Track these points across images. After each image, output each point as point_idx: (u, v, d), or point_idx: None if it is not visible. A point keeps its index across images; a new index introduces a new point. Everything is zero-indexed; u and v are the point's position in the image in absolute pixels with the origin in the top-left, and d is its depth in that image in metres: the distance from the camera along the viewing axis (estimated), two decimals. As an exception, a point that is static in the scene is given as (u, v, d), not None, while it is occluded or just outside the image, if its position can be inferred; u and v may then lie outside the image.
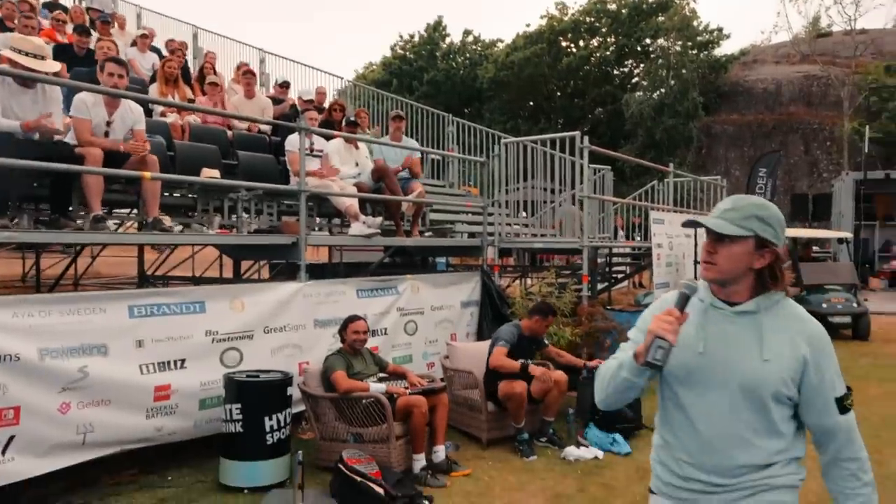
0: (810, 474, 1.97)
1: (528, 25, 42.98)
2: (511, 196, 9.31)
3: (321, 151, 7.06)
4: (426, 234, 8.45)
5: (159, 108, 7.00)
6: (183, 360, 4.68)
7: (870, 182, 18.47)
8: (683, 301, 1.81)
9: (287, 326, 5.47)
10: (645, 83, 31.70)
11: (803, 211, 20.34)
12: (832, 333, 10.64)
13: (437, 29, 38.21)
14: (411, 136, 10.12)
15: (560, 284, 8.13)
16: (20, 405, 3.81)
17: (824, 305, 11.36)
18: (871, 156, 19.91)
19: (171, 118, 6.74)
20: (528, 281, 11.56)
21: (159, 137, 5.64)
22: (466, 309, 7.49)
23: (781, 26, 69.86)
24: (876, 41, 31.19)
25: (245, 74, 7.91)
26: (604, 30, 33.92)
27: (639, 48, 33.33)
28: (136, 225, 5.95)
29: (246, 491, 4.47)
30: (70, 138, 4.74)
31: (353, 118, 7.76)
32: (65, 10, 9.44)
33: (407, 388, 5.13)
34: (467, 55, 38.07)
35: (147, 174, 4.55)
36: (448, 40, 38.59)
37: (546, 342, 6.09)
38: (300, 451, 4.20)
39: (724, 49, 33.02)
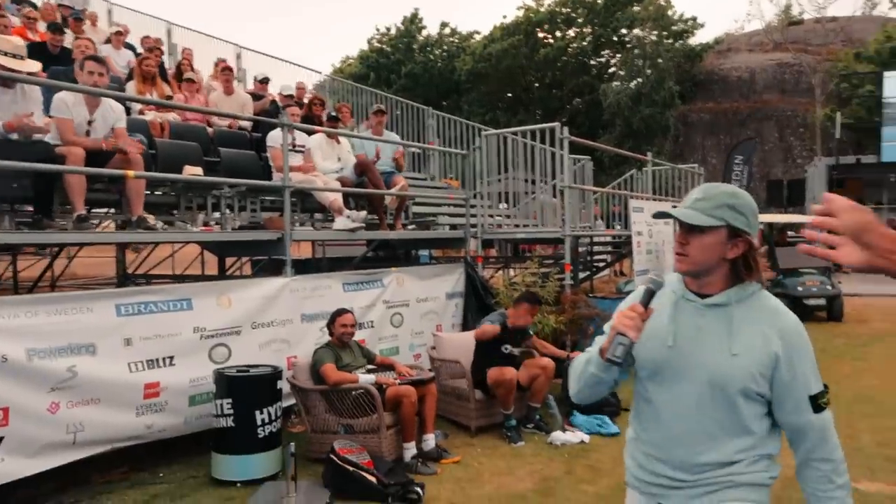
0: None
1: (504, 17, 43.18)
2: (491, 188, 9.36)
3: (303, 147, 7.06)
4: (409, 227, 8.49)
5: (137, 106, 6.95)
6: (171, 358, 4.69)
7: (841, 167, 18.88)
8: (648, 297, 1.75)
9: (274, 321, 5.49)
10: (622, 73, 31.95)
11: (778, 196, 20.71)
12: (808, 316, 10.99)
13: (413, 22, 38.16)
14: (392, 130, 10.13)
15: (543, 274, 8.23)
16: (9, 406, 3.80)
17: (799, 289, 11.63)
18: (843, 141, 20.30)
19: (150, 116, 6.70)
20: (511, 271, 11.64)
21: (140, 136, 5.62)
22: (451, 300, 7.55)
23: (754, 14, 70.82)
24: (846, 28, 31.71)
25: (223, 71, 7.88)
26: (580, 20, 34.10)
27: (615, 38, 33.57)
28: (113, 224, 5.90)
29: (239, 484, 4.50)
30: (51, 138, 4.71)
31: (334, 113, 7.76)
32: (34, 6, 9.30)
33: (396, 378, 5.19)
34: (444, 48, 38.08)
35: (131, 173, 4.54)
36: (425, 33, 38.57)
37: (531, 332, 6.18)
38: (292, 443, 4.25)
39: (699, 38, 33.41)
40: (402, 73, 35.82)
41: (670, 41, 31.35)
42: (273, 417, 4.71)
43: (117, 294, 4.60)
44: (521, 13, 34.46)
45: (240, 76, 11.78)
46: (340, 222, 6.59)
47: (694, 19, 32.30)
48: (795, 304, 11.01)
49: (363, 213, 6.72)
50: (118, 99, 5.38)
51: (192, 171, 5.58)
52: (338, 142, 7.42)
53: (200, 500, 4.31)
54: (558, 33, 34.43)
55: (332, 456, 4.48)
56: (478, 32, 38.11)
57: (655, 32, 30.74)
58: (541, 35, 34.21)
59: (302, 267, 8.08)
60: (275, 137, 6.55)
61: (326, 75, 15.48)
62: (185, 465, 4.85)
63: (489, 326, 5.72)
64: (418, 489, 4.35)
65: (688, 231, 1.75)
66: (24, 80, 4.57)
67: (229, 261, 9.78)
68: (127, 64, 7.80)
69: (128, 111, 6.63)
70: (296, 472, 4.24)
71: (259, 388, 4.70)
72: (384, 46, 38.13)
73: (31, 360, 3.91)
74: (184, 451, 4.95)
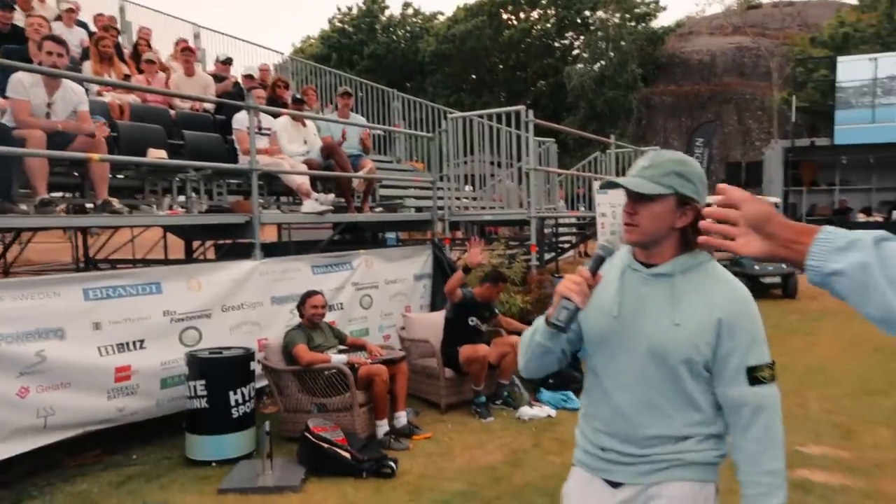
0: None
1: (467, -2, 42.80)
2: (456, 170, 9.43)
3: (269, 129, 7.03)
4: (377, 209, 8.53)
5: (95, 87, 6.79)
6: (142, 341, 4.69)
7: (797, 150, 19.31)
8: (597, 263, 1.69)
9: (244, 304, 5.51)
10: (585, 55, 32.19)
11: (737, 178, 21.17)
12: (763, 293, 11.40)
13: (375, 1, 37.74)
14: (356, 112, 10.11)
15: (510, 255, 8.36)
16: (-22, 391, 3.78)
17: (756, 267, 12.03)
18: (798, 125, 20.77)
19: (109, 97, 6.57)
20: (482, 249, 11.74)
21: (101, 118, 5.53)
22: (419, 281, 7.64)
23: (714, -2, 71.48)
24: (802, 13, 32.33)
25: (184, 51, 7.73)
26: (544, 2, 34.15)
27: (578, 20, 33.75)
28: (66, 208, 5.81)
29: (214, 464, 4.56)
30: (7, 120, 4.61)
31: (299, 95, 7.73)
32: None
33: (368, 358, 5.27)
34: (408, 28, 37.81)
35: (95, 156, 4.49)
36: (387, 13, 38.19)
37: (497, 311, 6.31)
38: (267, 422, 4.32)
39: (661, 21, 33.81)
40: (365, 53, 35.49)
41: (633, 24, 31.66)
42: (246, 398, 4.75)
43: (84, 278, 4.56)
44: (484, -6, 34.37)
45: (199, 56, 11.57)
46: (309, 205, 6.60)
47: (656, 2, 32.66)
48: (752, 281, 11.39)
49: (331, 196, 6.75)
50: (79, 80, 5.27)
51: (157, 155, 5.53)
52: (303, 124, 7.41)
53: (176, 480, 4.34)
54: (522, 15, 34.47)
55: (306, 434, 4.55)
56: (441, 13, 38.08)
57: (618, 15, 31.00)
58: (504, 16, 34.21)
59: (269, 250, 8.07)
60: (240, 120, 6.51)
61: (287, 56, 15.28)
62: (158, 447, 4.87)
63: (455, 275, 5.84)
64: (392, 464, 4.46)
65: (636, 200, 1.69)
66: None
67: (194, 245, 9.69)
68: (80, 43, 7.58)
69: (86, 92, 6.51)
70: (271, 450, 4.33)
71: (232, 369, 4.74)
72: (346, 26, 37.67)
73: (-1, 345, 3.89)
74: (156, 433, 4.97)
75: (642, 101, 30.91)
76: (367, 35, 36.50)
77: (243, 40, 12.60)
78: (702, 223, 1.28)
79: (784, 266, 12.13)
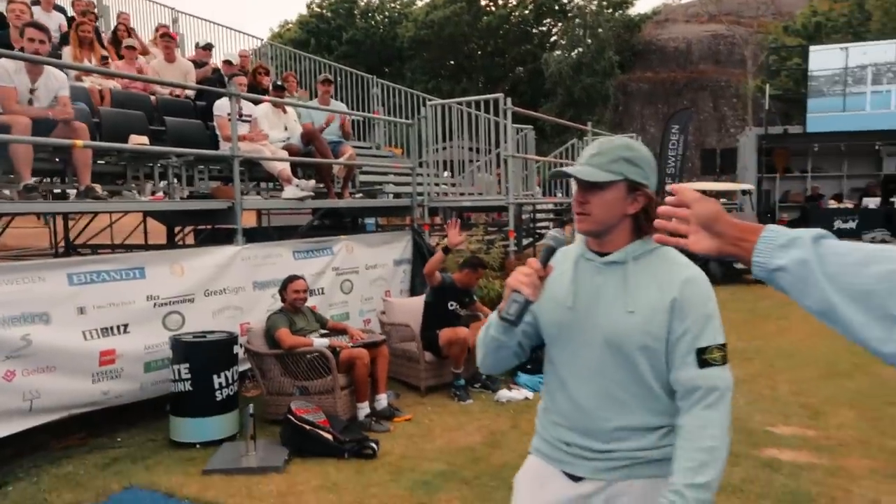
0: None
1: (446, -17, 42.56)
2: (434, 156, 9.52)
3: (250, 116, 7.06)
4: (356, 195, 8.59)
5: (73, 72, 6.77)
6: (126, 325, 4.74)
7: (770, 137, 19.54)
8: (548, 254, 1.66)
9: (227, 289, 5.58)
10: (563, 42, 32.27)
11: (712, 165, 21.38)
12: (737, 278, 11.68)
13: (353, -14, 37.44)
14: (335, 98, 10.14)
15: (488, 241, 8.49)
16: (-35, 374, 3.83)
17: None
18: (772, 112, 21.07)
19: (88, 82, 6.56)
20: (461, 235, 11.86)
21: (82, 104, 5.54)
22: (399, 267, 7.74)
23: (691, -15, 71.89)
24: (776, 2, 32.70)
25: (164, 37, 7.72)
26: (522, -12, 34.15)
27: (556, 7, 33.80)
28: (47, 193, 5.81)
29: (198, 445, 4.64)
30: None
31: (280, 82, 7.75)
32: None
33: (349, 341, 5.38)
34: (386, 14, 37.59)
35: (79, 142, 4.52)
36: (366, -2, 37.96)
37: (475, 297, 6.45)
38: (251, 404, 4.41)
39: (638, 8, 34.00)
40: (344, 39, 35.25)
41: (610, 11, 31.79)
42: (230, 381, 4.84)
43: (69, 263, 4.60)
44: (463, -20, 34.24)
45: (178, 42, 11.50)
46: (290, 191, 6.66)
47: (633, -10, 32.79)
48: (726, 267, 11.62)
49: (312, 182, 6.81)
50: (62, 67, 5.27)
51: (139, 141, 5.55)
52: (284, 111, 7.44)
53: (161, 462, 4.42)
54: (500, 1, 34.44)
55: (289, 416, 4.64)
56: (420, -1, 37.76)
57: (596, 2, 31.12)
58: (483, 2, 34.16)
59: (249, 235, 8.11)
60: (221, 107, 6.53)
61: (266, 41, 15.20)
62: (143, 430, 4.94)
63: (436, 255, 5.99)
64: (373, 445, 4.55)
65: (586, 189, 1.67)
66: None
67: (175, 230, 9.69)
68: (58, 27, 7.53)
69: (66, 78, 6.49)
70: (255, 432, 4.42)
71: (216, 352, 4.82)
72: (324, 11, 37.34)
73: (-14, 329, 3.93)
74: (140, 416, 5.04)
75: (619, 88, 31.13)
76: (346, 20, 36.24)
77: (222, 25, 12.54)
78: (656, 222, 1.33)
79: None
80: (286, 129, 7.39)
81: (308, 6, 38.30)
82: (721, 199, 16.40)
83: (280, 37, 35.70)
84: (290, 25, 38.93)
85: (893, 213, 17.14)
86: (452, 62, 35.71)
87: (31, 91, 4.81)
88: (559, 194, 11.66)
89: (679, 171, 19.05)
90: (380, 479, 4.16)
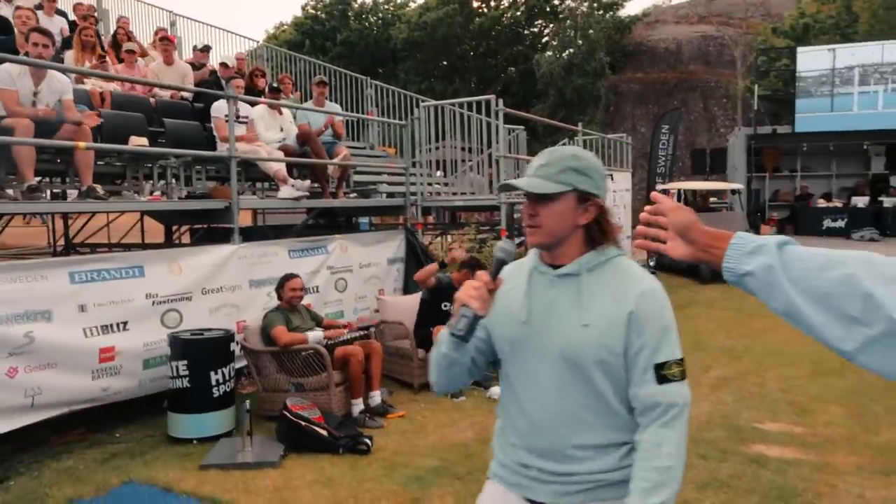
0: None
1: (438, -15, 42.64)
2: (427, 156, 9.63)
3: (246, 118, 7.16)
4: (351, 195, 8.70)
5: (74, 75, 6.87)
6: (125, 323, 4.83)
7: (759, 137, 19.73)
8: (497, 267, 1.61)
9: (224, 287, 5.67)
10: (555, 43, 32.39)
11: (701, 165, 21.58)
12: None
13: (347, -12, 37.47)
14: (329, 98, 10.24)
15: (480, 240, 8.60)
16: (-31, 371, 3.92)
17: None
18: (761, 112, 21.25)
19: (89, 85, 6.66)
20: (449, 237, 12.00)
21: (84, 107, 5.63)
22: (393, 265, 7.85)
23: (681, -14, 72.16)
24: (765, 3, 32.87)
25: (162, 41, 7.83)
26: (514, -10, 34.26)
27: (548, 9, 33.93)
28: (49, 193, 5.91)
29: (195, 441, 4.73)
30: (-4, 109, 4.72)
31: (275, 84, 7.85)
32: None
33: (344, 327, 5.53)
34: (380, 15, 37.61)
35: (82, 144, 4.62)
36: (360, 0, 37.99)
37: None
38: (247, 401, 4.51)
39: (628, 10, 34.16)
40: (338, 40, 35.26)
41: (601, 13, 31.95)
42: (227, 378, 4.94)
43: (70, 262, 4.69)
44: (455, -19, 34.33)
45: (176, 44, 11.60)
46: (285, 191, 6.76)
47: (623, -8, 32.95)
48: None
49: (307, 183, 6.91)
50: (64, 71, 5.37)
51: (139, 142, 5.65)
52: (280, 112, 7.55)
53: (159, 457, 4.50)
54: (493, 3, 34.54)
55: (284, 412, 4.72)
56: (413, 1, 37.82)
57: (587, 4, 31.29)
58: (475, 4, 34.25)
59: (245, 234, 8.22)
60: (219, 108, 6.63)
61: (261, 43, 15.29)
62: (141, 426, 5.04)
63: (429, 267, 6.14)
64: (367, 441, 4.64)
65: (536, 201, 1.62)
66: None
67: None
68: (60, 31, 7.65)
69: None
70: (251, 428, 4.52)
71: (213, 349, 4.91)
72: (319, 13, 37.35)
73: (-10, 327, 4.02)
74: (139, 412, 5.13)
75: (610, 89, 31.26)
76: (340, 22, 36.26)
77: (218, 28, 12.65)
78: (638, 228, 1.40)
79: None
80: (282, 130, 7.49)
81: (303, 8, 38.27)
82: (711, 199, 16.56)
83: (275, 38, 35.71)
84: (286, 27, 38.91)
85: (882, 212, 17.33)
86: (445, 63, 35.78)
87: (35, 94, 4.92)
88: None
89: (669, 170, 19.21)
90: (374, 474, 4.23)
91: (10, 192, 4.67)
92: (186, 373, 4.76)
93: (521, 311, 1.67)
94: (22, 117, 4.56)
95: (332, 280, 6.91)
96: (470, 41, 34.53)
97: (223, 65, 8.83)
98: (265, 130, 7.18)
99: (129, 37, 8.46)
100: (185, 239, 10.85)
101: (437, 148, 9.84)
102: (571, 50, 30.88)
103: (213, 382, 4.82)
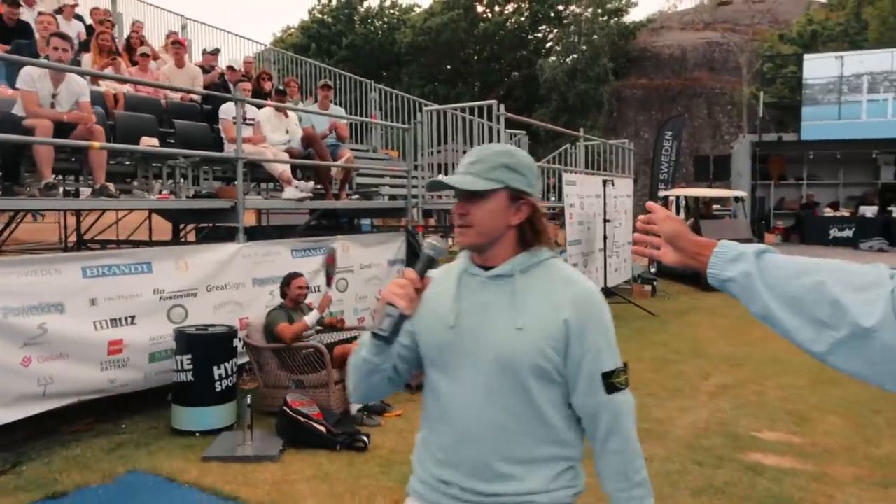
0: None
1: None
2: (428, 159, 9.77)
3: (253, 120, 7.34)
4: (353, 197, 8.86)
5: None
6: (133, 317, 4.99)
7: (764, 144, 19.62)
8: (426, 264, 1.51)
9: (228, 285, 5.82)
10: (558, 49, 32.59)
11: (705, 171, 21.67)
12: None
13: (354, -8, 37.77)
14: (335, 102, 10.42)
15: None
16: (-14, 359, 4.09)
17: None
18: (766, 119, 21.20)
19: (104, 87, 6.86)
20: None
21: (98, 108, 5.83)
22: (393, 267, 8.00)
23: (687, -7, 72.19)
24: (772, 10, 32.90)
25: (174, 44, 8.05)
26: (518, -5, 34.48)
27: (552, 14, 34.12)
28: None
29: (198, 434, 4.86)
30: (17, 110, 4.91)
31: (281, 87, 8.03)
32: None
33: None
34: (385, 20, 37.89)
35: (96, 144, 4.81)
36: (366, 4, 38.29)
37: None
38: (249, 396, 4.65)
39: (633, 16, 34.31)
40: (343, 44, 35.55)
41: (605, 18, 32.12)
42: (229, 373, 5.07)
43: (83, 257, 4.86)
44: (460, -14, 34.55)
45: (186, 47, 11.82)
46: (290, 192, 6.93)
47: (628, -2, 33.14)
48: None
49: (311, 184, 7.07)
50: (82, 74, 5.57)
51: (149, 143, 5.83)
52: (285, 115, 7.72)
53: (163, 448, 4.64)
54: (497, 8, 34.75)
55: (284, 408, 4.82)
56: (418, 6, 38.25)
57: (591, 9, 31.45)
58: (480, 9, 34.48)
59: (249, 234, 8.38)
60: (227, 110, 6.81)
61: (268, 46, 15.52)
62: (146, 417, 5.17)
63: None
64: (364, 438, 4.73)
65: (467, 199, 1.55)
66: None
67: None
68: (77, 35, 7.88)
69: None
70: (252, 421, 4.65)
71: (216, 345, 5.06)
72: (325, 17, 37.66)
73: (6, 318, 4.19)
74: (144, 404, 5.27)
75: (614, 94, 31.39)
76: (346, 26, 36.55)
77: (227, 31, 12.88)
78: (635, 235, 1.47)
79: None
80: (287, 132, 7.66)
81: (310, 12, 38.65)
82: (714, 206, 16.60)
83: (282, 41, 36.00)
84: (293, 30, 39.24)
85: (891, 222, 17.06)
86: (449, 67, 36.00)
87: (54, 95, 5.13)
88: (552, 198, 11.92)
89: (672, 177, 19.19)
90: (370, 471, 4.31)
91: (28, 189, 4.85)
92: (190, 367, 4.90)
93: (450, 315, 1.58)
94: (42, 119, 4.75)
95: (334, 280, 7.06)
96: (474, 46, 34.75)
97: (230, 68, 9.03)
98: (271, 132, 7.36)
99: (143, 41, 8.67)
100: (191, 237, 11.04)
101: (439, 151, 9.99)
102: (575, 55, 31.05)
103: (216, 377, 4.96)
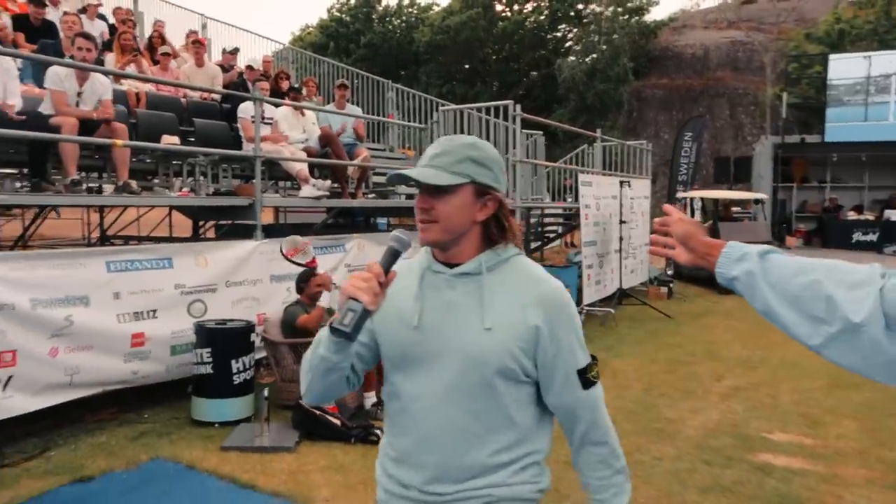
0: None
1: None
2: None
3: (271, 119, 7.48)
4: (370, 195, 8.97)
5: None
6: (155, 311, 5.16)
7: (787, 146, 19.24)
8: (390, 258, 1.44)
9: (246, 281, 5.97)
10: (577, 48, 32.48)
11: (725, 173, 21.40)
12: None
13: (372, -10, 37.96)
14: (352, 102, 10.55)
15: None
16: (17, 349, 4.27)
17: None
18: (790, 121, 20.84)
19: (127, 86, 7.05)
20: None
21: (121, 106, 6.01)
22: (409, 265, 8.08)
23: (710, -8, 71.46)
24: (798, 8, 32.46)
25: (194, 44, 8.23)
26: (538, -6, 34.42)
27: (572, 13, 34.02)
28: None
29: (217, 425, 5.02)
30: (44, 108, 5.10)
31: (296, 85, 8.17)
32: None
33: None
34: (403, 18, 38.02)
35: (119, 142, 4.98)
36: (384, 3, 38.46)
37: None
38: (266, 388, 4.78)
39: (654, 15, 34.07)
40: (362, 42, 35.75)
41: (626, 17, 31.93)
42: (247, 366, 5.22)
43: (107, 252, 5.05)
44: (480, -14, 34.56)
45: (206, 46, 12.03)
46: (307, 190, 7.06)
47: (649, -3, 32.92)
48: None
49: (328, 183, 7.19)
50: (106, 73, 5.75)
51: (170, 141, 6.00)
52: (303, 114, 7.86)
53: (184, 437, 4.80)
54: (516, 7, 34.71)
55: (300, 402, 4.90)
56: (437, 4, 38.16)
57: (611, 8, 31.30)
58: (499, 8, 34.47)
59: (267, 232, 8.53)
60: (246, 109, 6.97)
61: (287, 45, 15.70)
62: (167, 408, 5.34)
63: None
64: (378, 432, 4.80)
65: (430, 194, 1.48)
66: (26, 57, 4.93)
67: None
68: (100, 34, 8.08)
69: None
70: (269, 414, 4.78)
71: (235, 339, 5.20)
72: (343, 16, 37.89)
73: (35, 309, 4.37)
74: (165, 395, 5.43)
75: (633, 94, 31.19)
76: (364, 24, 36.75)
77: (246, 30, 13.08)
78: (652, 236, 1.56)
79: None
80: (304, 131, 7.80)
81: (328, 10, 38.92)
82: (734, 208, 16.46)
83: (301, 40, 36.31)
84: (311, 29, 39.53)
85: (917, 226, 16.61)
86: (467, 66, 36.04)
87: (79, 94, 5.31)
88: (569, 199, 11.96)
89: (691, 178, 18.98)
90: (383, 464, 4.47)
91: (54, 185, 5.04)
92: (210, 360, 5.04)
93: (413, 315, 1.52)
94: (70, 117, 4.92)
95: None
96: (492, 45, 34.75)
97: (249, 67, 9.21)
98: (288, 130, 7.50)
99: (164, 40, 8.86)
100: (211, 234, 11.24)
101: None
102: (595, 55, 30.92)
103: (234, 370, 5.10)
